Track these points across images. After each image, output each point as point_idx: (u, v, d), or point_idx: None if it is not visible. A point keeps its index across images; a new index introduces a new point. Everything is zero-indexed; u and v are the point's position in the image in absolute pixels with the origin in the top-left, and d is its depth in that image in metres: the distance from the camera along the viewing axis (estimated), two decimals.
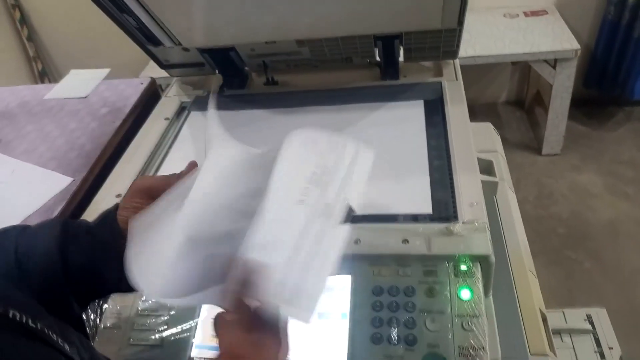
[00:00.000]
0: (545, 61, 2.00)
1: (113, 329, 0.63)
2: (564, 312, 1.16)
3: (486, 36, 2.08)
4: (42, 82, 2.57)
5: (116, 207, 0.49)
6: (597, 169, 2.18)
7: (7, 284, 0.40)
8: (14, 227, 0.48)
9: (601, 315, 1.15)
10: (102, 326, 0.64)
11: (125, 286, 0.47)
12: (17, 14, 2.44)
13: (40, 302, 0.42)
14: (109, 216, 0.48)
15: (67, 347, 0.36)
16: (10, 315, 0.33)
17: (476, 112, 2.60)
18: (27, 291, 0.43)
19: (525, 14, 2.21)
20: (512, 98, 2.65)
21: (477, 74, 2.50)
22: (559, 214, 2.03)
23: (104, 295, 0.53)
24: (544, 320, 0.73)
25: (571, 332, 1.11)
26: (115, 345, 0.62)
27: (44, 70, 2.58)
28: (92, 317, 0.65)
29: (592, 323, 1.14)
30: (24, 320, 0.34)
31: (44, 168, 0.85)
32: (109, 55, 2.22)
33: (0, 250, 0.45)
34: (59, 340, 0.36)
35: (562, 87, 2.04)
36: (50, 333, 0.35)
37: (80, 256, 0.45)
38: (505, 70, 2.54)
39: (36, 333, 0.34)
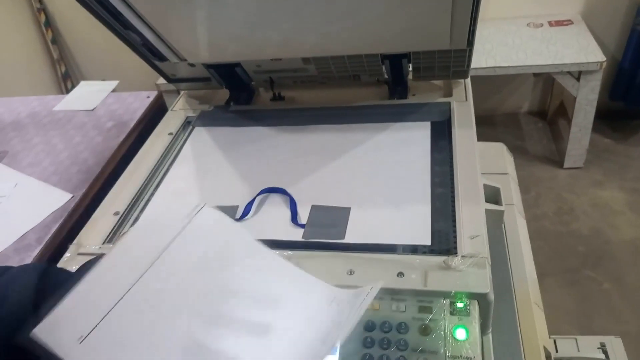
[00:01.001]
0: (569, 73, 1.95)
1: None
2: (576, 339, 1.12)
3: (508, 46, 2.03)
4: (65, 84, 2.62)
5: None
6: (620, 185, 2.11)
7: None
8: None
9: (615, 344, 1.11)
10: None
11: None
12: (42, 17, 2.48)
13: (13, 351, 0.41)
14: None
15: None
16: None
17: (496, 122, 2.55)
18: None
19: (550, 24, 2.15)
20: (535, 108, 2.59)
21: (498, 83, 2.45)
22: (579, 231, 1.97)
23: None
24: (548, 357, 0.70)
25: None
26: None
27: (67, 73, 2.63)
28: None
29: (605, 352, 1.09)
30: None
31: (46, 183, 0.85)
32: (130, 59, 2.24)
33: None
34: None
35: (586, 99, 1.98)
36: None
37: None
38: (528, 80, 2.48)
39: None
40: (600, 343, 1.12)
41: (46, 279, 0.44)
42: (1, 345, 0.41)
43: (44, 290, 0.43)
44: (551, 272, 1.80)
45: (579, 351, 1.10)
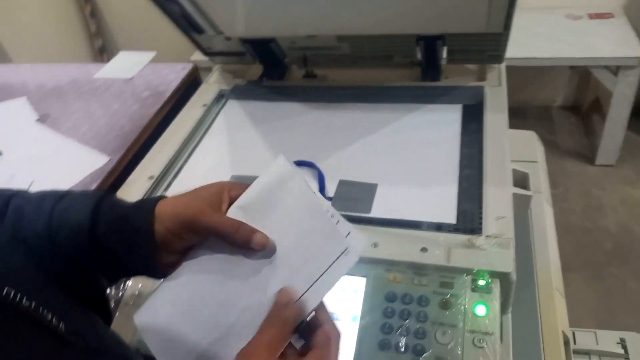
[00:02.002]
0: (606, 67, 1.90)
1: (133, 306, 0.66)
2: (595, 333, 1.11)
3: (544, 37, 1.99)
4: (101, 58, 2.68)
5: (157, 199, 0.47)
6: None
7: (5, 256, 0.40)
8: (53, 194, 0.48)
9: (636, 340, 1.09)
10: (123, 302, 0.66)
11: (150, 274, 0.48)
12: None
13: (67, 274, 0.44)
14: (147, 206, 0.46)
15: (62, 325, 0.36)
16: (4, 292, 0.33)
17: (528, 115, 2.51)
18: (55, 262, 0.44)
19: (590, 16, 2.10)
20: (569, 103, 2.54)
21: (532, 74, 2.40)
22: (606, 228, 1.93)
23: (133, 276, 0.52)
24: (566, 343, 0.71)
25: (601, 354, 1.06)
26: (133, 322, 0.64)
27: (104, 47, 2.68)
28: (114, 292, 0.68)
29: (625, 347, 1.09)
30: (17, 298, 0.34)
31: (85, 146, 0.89)
32: (165, 35, 2.27)
33: (35, 217, 0.45)
34: (54, 319, 0.36)
35: (623, 95, 1.94)
36: (45, 312, 0.35)
37: (108, 239, 0.45)
38: (564, 74, 2.43)
39: (28, 312, 0.34)
40: (620, 338, 1.10)
41: (101, 209, 0.45)
42: (61, 267, 0.44)
43: (100, 220, 0.45)
44: (576, 267, 1.78)
45: (597, 345, 1.09)
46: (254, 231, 0.45)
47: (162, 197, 0.48)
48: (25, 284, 0.37)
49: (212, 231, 0.45)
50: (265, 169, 0.48)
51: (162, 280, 0.47)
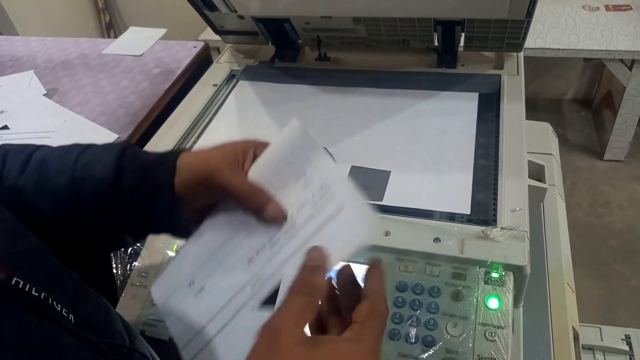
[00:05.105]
0: (621, 61, 1.87)
1: (139, 287, 0.65)
2: (600, 329, 1.11)
3: (560, 28, 1.96)
4: (108, 34, 2.65)
5: (179, 152, 0.46)
6: None
7: (17, 240, 0.38)
8: (76, 146, 0.47)
9: None
10: (130, 283, 0.66)
11: (171, 230, 0.47)
12: None
13: (92, 230, 0.44)
14: (169, 159, 0.45)
15: (72, 317, 0.36)
16: (13, 282, 0.32)
17: (538, 107, 2.48)
18: (79, 216, 0.43)
19: (607, 8, 2.06)
20: (580, 96, 2.51)
21: (544, 66, 2.38)
22: (612, 225, 1.92)
23: (157, 233, 0.50)
24: (576, 338, 0.70)
25: (605, 350, 1.06)
26: (138, 303, 0.64)
27: (111, 23, 2.65)
28: (121, 271, 0.68)
29: (629, 344, 1.08)
30: (27, 289, 0.33)
31: (94, 122, 0.87)
32: (173, 13, 2.25)
33: (58, 170, 0.44)
34: (64, 310, 0.35)
35: (636, 90, 1.91)
36: (55, 303, 0.35)
37: (131, 192, 0.44)
38: (576, 66, 2.39)
39: (37, 304, 0.33)
40: (625, 335, 1.10)
41: (125, 158, 0.45)
42: (84, 222, 0.43)
43: (122, 173, 0.44)
44: (579, 263, 1.76)
45: (602, 340, 1.09)
46: (269, 200, 0.42)
47: (184, 150, 0.46)
48: (36, 271, 0.36)
49: (227, 191, 0.42)
50: (280, 132, 0.45)
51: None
